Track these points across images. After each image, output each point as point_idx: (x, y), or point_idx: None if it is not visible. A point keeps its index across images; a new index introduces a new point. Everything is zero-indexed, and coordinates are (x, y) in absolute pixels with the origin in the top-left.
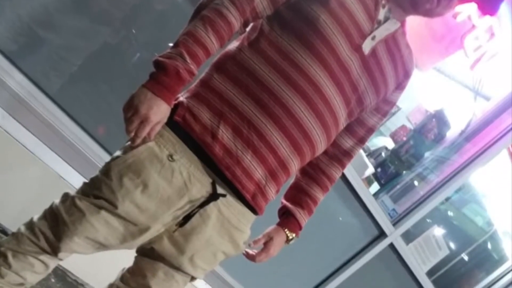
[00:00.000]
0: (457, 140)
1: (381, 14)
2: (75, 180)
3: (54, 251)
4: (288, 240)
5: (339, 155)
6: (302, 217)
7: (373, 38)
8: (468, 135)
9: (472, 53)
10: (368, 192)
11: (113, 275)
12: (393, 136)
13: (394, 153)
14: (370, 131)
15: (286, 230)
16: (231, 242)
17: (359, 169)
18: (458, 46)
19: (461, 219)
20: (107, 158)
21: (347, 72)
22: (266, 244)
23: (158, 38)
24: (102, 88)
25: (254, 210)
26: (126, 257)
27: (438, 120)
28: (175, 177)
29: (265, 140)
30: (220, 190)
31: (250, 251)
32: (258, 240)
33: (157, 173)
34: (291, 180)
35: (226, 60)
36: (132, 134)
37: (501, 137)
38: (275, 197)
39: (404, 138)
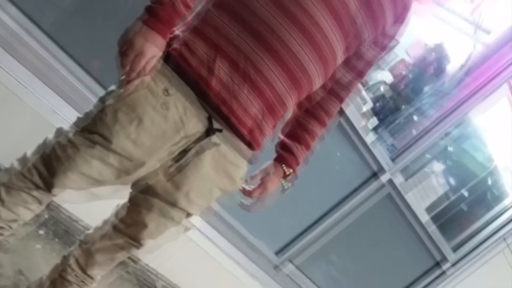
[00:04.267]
0: (457, 75)
1: None
2: (69, 115)
3: (48, 187)
4: (285, 176)
5: (337, 89)
6: (299, 152)
7: None
8: (468, 69)
9: None
10: (367, 127)
11: (108, 212)
12: (392, 70)
13: (393, 87)
14: (369, 65)
15: (283, 165)
16: (227, 178)
17: (357, 104)
18: None
19: (461, 155)
20: (101, 92)
21: (345, 5)
22: (263, 180)
23: None
24: (97, 22)
25: (251, 145)
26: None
27: (438, 54)
28: (171, 111)
29: (262, 74)
30: (216, 125)
31: (247, 187)
32: (255, 176)
33: (152, 107)
34: (289, 115)
35: None
36: (127, 68)
37: (502, 71)
38: (272, 132)
39: (403, 73)
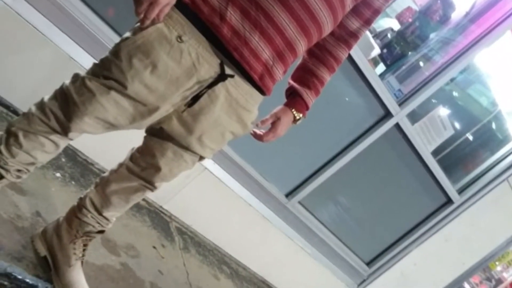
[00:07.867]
0: (462, 22)
1: None
2: (85, 61)
3: (64, 131)
4: (295, 120)
5: (345, 36)
6: (309, 97)
7: None
8: (473, 17)
9: None
10: (374, 73)
11: (123, 155)
12: (398, 17)
13: (400, 34)
14: (376, 12)
15: (293, 110)
16: (239, 122)
17: (365, 50)
18: None
19: (466, 100)
20: (116, 39)
21: None
22: (273, 124)
23: None
24: None
25: (261, 91)
26: (135, 137)
27: (443, 1)
28: (184, 57)
29: (272, 21)
30: (228, 70)
31: (258, 131)
32: (265, 120)
33: (166, 53)
34: (298, 61)
35: None
36: (142, 15)
37: (506, 18)
38: (282, 78)
39: (410, 20)
